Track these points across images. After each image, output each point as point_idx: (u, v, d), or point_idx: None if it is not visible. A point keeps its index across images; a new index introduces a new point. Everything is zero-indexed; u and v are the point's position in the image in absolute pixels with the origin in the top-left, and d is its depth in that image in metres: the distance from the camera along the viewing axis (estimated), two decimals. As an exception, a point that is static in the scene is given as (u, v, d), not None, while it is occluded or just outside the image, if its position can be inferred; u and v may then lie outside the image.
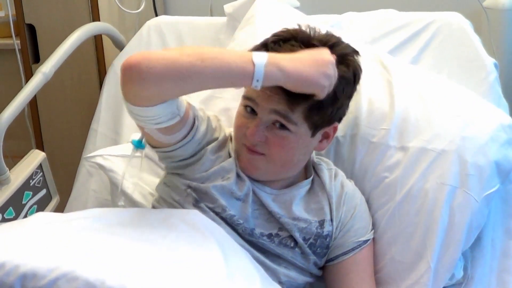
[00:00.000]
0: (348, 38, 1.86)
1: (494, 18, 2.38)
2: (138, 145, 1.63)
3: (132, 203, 1.78)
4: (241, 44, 1.92)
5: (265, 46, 1.54)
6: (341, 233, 1.66)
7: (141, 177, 1.83)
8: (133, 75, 1.36)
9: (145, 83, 1.36)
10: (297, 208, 1.64)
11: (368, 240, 1.69)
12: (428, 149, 1.70)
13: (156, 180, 1.77)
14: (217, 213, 1.58)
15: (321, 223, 1.64)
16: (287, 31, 1.57)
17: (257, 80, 1.39)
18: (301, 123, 1.53)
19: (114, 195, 1.82)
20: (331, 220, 1.65)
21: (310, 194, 1.68)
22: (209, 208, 1.57)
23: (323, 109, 1.52)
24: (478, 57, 1.92)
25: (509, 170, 1.73)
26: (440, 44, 1.96)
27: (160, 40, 2.11)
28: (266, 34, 1.64)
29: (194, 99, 1.87)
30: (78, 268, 1.21)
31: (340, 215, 1.66)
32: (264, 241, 1.61)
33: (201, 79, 1.38)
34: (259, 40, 1.60)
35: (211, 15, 2.58)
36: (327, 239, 1.65)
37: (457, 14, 2.00)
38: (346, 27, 2.04)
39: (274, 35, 1.57)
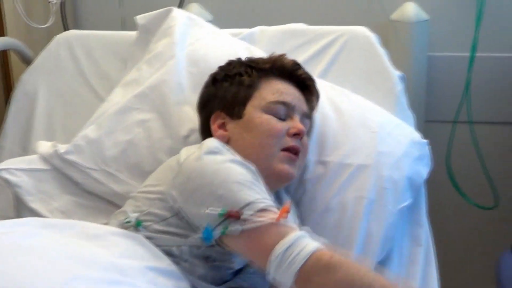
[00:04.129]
0: (260, 52, 1.90)
1: (401, 31, 2.43)
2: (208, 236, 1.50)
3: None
4: (159, 56, 1.92)
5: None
6: None
7: (49, 193, 1.80)
8: None
9: None
10: None
11: None
12: (346, 164, 1.76)
13: (66, 196, 1.76)
14: None
15: None
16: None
17: None
18: None
19: (20, 212, 1.78)
20: None
21: None
22: None
23: None
24: (385, 69, 1.97)
25: (420, 184, 1.86)
26: (348, 58, 2.00)
27: (69, 54, 2.08)
28: (184, 46, 1.69)
29: (108, 110, 1.86)
30: None
31: None
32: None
33: None
34: (178, 52, 1.77)
35: (123, 29, 2.56)
36: None
37: (363, 28, 2.05)
38: (258, 40, 2.07)
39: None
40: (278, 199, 1.73)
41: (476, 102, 2.52)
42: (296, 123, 1.67)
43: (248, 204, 1.42)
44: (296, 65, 1.76)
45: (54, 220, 1.63)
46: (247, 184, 1.46)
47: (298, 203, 1.79)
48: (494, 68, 2.52)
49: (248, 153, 1.61)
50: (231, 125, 1.68)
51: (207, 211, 1.43)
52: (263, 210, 1.42)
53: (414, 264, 1.79)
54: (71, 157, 1.81)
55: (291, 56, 1.79)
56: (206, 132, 1.73)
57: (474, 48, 2.45)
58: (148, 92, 1.86)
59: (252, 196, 1.43)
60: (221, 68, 1.77)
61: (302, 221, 1.77)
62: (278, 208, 1.44)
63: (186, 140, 1.80)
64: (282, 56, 1.76)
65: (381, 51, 2.00)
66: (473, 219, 2.67)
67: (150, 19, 2.03)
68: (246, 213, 1.41)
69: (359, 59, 1.99)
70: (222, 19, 2.44)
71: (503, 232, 1.91)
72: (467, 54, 2.47)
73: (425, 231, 1.84)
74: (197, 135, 1.79)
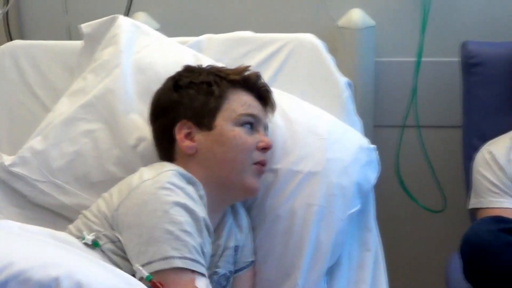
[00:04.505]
0: (208, 60, 1.90)
1: (348, 37, 2.46)
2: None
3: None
4: (104, 65, 1.90)
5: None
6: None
7: None
8: None
9: None
10: None
11: (253, 261, 1.77)
12: (296, 171, 1.77)
13: (12, 209, 1.74)
14: None
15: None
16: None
17: None
18: None
19: None
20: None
21: None
22: None
23: None
24: (331, 76, 1.98)
25: (369, 190, 1.88)
26: (295, 65, 2.01)
27: (14, 65, 2.04)
28: (130, 54, 1.68)
29: (54, 120, 1.84)
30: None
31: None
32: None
33: None
34: (124, 60, 1.77)
35: (70, 38, 2.54)
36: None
37: (310, 35, 2.06)
38: (205, 48, 2.06)
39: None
40: (233, 207, 1.76)
41: (423, 106, 2.56)
42: (263, 137, 1.70)
43: (165, 259, 1.43)
44: (258, 77, 1.77)
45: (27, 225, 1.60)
46: (175, 234, 1.46)
47: (248, 211, 1.80)
48: (440, 73, 2.56)
49: (219, 168, 1.64)
50: (200, 136, 1.67)
51: (137, 265, 1.44)
52: (178, 269, 1.43)
53: (364, 269, 1.82)
54: (17, 169, 1.79)
55: (238, 63, 1.80)
56: (164, 141, 1.71)
57: (420, 53, 2.49)
58: (95, 101, 1.84)
59: (174, 251, 1.44)
60: (183, 73, 1.74)
61: (253, 229, 1.79)
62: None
63: (134, 150, 1.79)
64: (247, 68, 1.76)
65: (328, 58, 2.01)
66: (422, 222, 2.71)
67: (95, 27, 2.00)
68: (159, 267, 1.42)
69: (306, 66, 2.00)
70: (169, 28, 2.44)
71: (451, 234, 1.94)
72: (413, 59, 2.51)
73: (374, 236, 1.87)
74: (146, 144, 1.77)
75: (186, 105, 1.68)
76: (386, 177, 2.58)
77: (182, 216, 1.48)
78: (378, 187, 2.53)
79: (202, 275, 1.46)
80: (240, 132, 1.66)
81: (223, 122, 1.66)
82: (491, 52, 2.39)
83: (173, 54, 1.94)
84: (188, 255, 1.45)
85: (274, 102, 1.79)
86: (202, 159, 1.64)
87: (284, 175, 1.78)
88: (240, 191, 1.69)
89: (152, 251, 1.44)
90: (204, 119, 1.67)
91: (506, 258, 1.82)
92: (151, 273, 1.42)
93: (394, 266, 2.64)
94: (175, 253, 1.44)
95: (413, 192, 2.62)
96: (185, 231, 1.47)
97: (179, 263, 1.43)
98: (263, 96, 1.76)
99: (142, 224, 1.48)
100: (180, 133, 1.67)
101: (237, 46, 2.05)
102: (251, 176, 1.67)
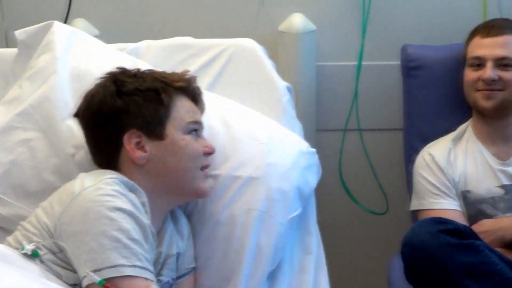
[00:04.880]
0: (147, 66, 1.89)
1: (289, 42, 2.46)
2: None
3: None
4: (40, 72, 1.86)
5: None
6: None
7: None
8: None
9: None
10: None
11: (194, 267, 1.77)
12: (235, 176, 1.76)
13: None
14: None
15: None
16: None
17: None
18: None
19: None
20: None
21: None
22: None
23: None
24: (271, 81, 1.98)
25: (310, 194, 1.88)
26: (234, 70, 2.01)
27: None
28: (67, 61, 1.65)
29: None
30: None
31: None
32: None
33: None
34: (60, 67, 1.75)
35: (7, 45, 2.50)
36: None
37: (250, 40, 2.06)
38: (144, 54, 2.05)
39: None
40: (172, 213, 1.74)
41: (364, 109, 2.58)
42: (206, 142, 1.72)
43: (114, 266, 1.42)
44: (194, 81, 1.76)
45: None
46: (124, 242, 1.45)
47: (189, 217, 1.79)
48: (380, 76, 2.59)
49: (170, 176, 1.64)
50: (151, 146, 1.64)
51: (87, 271, 1.43)
52: (130, 276, 1.43)
53: (305, 272, 1.82)
54: None
55: (178, 69, 1.79)
56: (107, 149, 1.67)
57: (360, 57, 2.51)
58: (31, 110, 1.80)
59: (124, 259, 1.43)
60: (124, 78, 1.69)
61: (194, 235, 1.78)
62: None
63: (72, 158, 1.76)
64: (187, 73, 1.75)
65: (267, 63, 2.01)
66: (365, 225, 2.73)
67: (30, 34, 1.96)
68: (108, 275, 1.42)
69: (246, 71, 2.00)
70: (109, 34, 2.42)
71: (393, 236, 1.96)
72: (354, 63, 2.53)
73: (315, 239, 1.87)
74: (84, 152, 1.74)
75: (134, 114, 1.64)
76: (328, 180, 2.61)
77: (128, 223, 1.47)
78: (321, 190, 2.55)
79: (153, 282, 1.47)
80: (190, 140, 1.66)
81: (174, 131, 1.65)
82: (431, 55, 2.43)
83: (110, 61, 1.91)
84: (138, 263, 1.45)
85: (204, 104, 1.78)
86: (152, 168, 1.63)
87: (224, 180, 1.78)
88: (192, 195, 1.72)
89: (101, 258, 1.43)
90: (155, 128, 1.64)
91: (446, 258, 1.84)
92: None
93: (336, 269, 2.65)
94: (125, 262, 1.43)
95: (355, 194, 2.65)
96: (133, 239, 1.46)
97: (129, 271, 1.43)
98: (198, 99, 1.75)
99: (87, 231, 1.46)
100: (130, 143, 1.63)
101: (176, 52, 2.04)
102: (202, 181, 1.69)
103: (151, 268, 1.48)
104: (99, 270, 1.43)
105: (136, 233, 1.47)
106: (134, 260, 1.44)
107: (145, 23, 2.57)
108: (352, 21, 2.53)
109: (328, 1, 2.54)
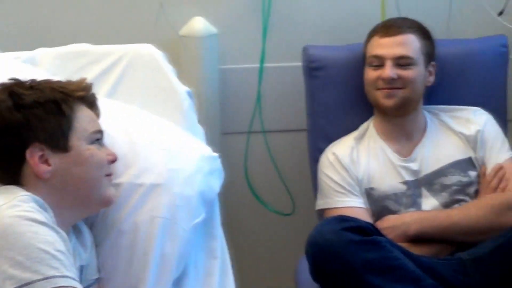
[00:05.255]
0: (44, 75, 1.85)
1: (191, 46, 2.46)
2: None
3: None
4: None
5: None
6: None
7: None
8: None
9: None
10: None
11: (98, 278, 1.73)
12: (138, 184, 1.74)
13: None
14: None
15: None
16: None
17: None
18: None
19: None
20: None
21: None
22: None
23: None
24: (171, 86, 1.97)
25: (213, 198, 1.87)
26: (134, 76, 1.98)
27: None
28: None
29: None
30: None
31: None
32: None
33: None
34: None
35: None
36: None
37: (148, 45, 2.04)
38: (40, 62, 2.00)
39: None
40: (74, 225, 1.71)
41: (268, 111, 2.60)
42: (109, 150, 1.69)
43: (46, 278, 1.39)
44: (91, 88, 1.72)
45: None
46: (51, 253, 1.42)
47: (91, 227, 1.76)
48: (283, 78, 2.61)
49: (77, 188, 1.61)
50: (55, 159, 1.59)
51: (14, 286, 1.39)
52: (61, 287, 1.40)
53: (211, 277, 1.82)
54: None
55: (75, 77, 1.76)
56: (7, 164, 1.61)
57: (262, 59, 2.52)
58: None
59: (54, 270, 1.40)
60: (20, 91, 1.62)
61: (97, 245, 1.75)
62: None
63: None
64: (84, 81, 1.71)
65: (167, 68, 2.00)
66: (272, 226, 2.75)
67: None
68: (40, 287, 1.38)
69: (145, 77, 1.98)
70: (3, 43, 2.36)
71: (301, 236, 1.97)
72: (257, 65, 2.53)
73: (220, 243, 1.87)
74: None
75: (35, 127, 1.59)
76: (235, 183, 2.62)
77: (51, 236, 1.45)
78: (228, 193, 2.55)
79: None
80: (95, 150, 1.64)
81: (78, 142, 1.62)
82: (331, 56, 2.46)
83: (6, 71, 1.86)
84: (68, 273, 1.42)
85: (100, 110, 1.75)
86: (57, 182, 1.59)
87: (126, 189, 1.75)
88: (99, 205, 1.69)
89: (30, 272, 1.39)
90: (58, 141, 1.60)
91: (349, 255, 1.87)
92: None
93: (245, 271, 2.67)
94: (56, 272, 1.40)
95: (262, 196, 2.66)
96: (59, 250, 1.44)
97: (61, 282, 1.40)
98: (95, 106, 1.73)
99: (12, 247, 1.41)
100: (33, 158, 1.58)
101: (73, 60, 2.00)
102: (108, 189, 1.67)
103: (78, 279, 1.46)
104: (29, 283, 1.38)
105: (60, 245, 1.45)
106: (64, 271, 1.41)
107: (40, 30, 2.51)
108: (253, 23, 2.53)
109: (229, 4, 2.55)
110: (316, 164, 2.37)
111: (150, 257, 1.71)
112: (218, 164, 1.91)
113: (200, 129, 2.00)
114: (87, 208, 1.68)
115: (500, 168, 2.26)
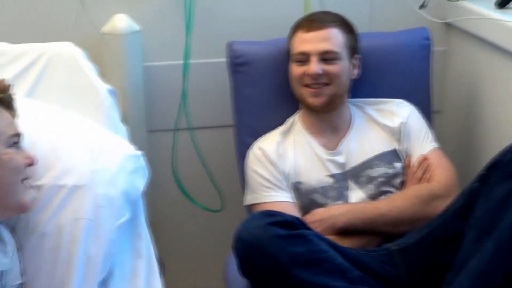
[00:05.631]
0: None
1: (113, 43, 2.42)
2: None
3: None
4: None
5: None
6: None
7: None
8: None
9: None
10: None
11: (22, 283, 1.71)
12: (59, 185, 1.72)
13: None
14: None
15: None
16: None
17: None
18: None
19: None
20: None
21: None
22: None
23: None
24: (92, 84, 1.96)
25: (137, 198, 1.85)
26: (53, 75, 1.97)
27: None
28: None
29: None
30: None
31: None
32: None
33: None
34: None
35: None
36: None
37: (68, 43, 2.02)
38: None
39: None
40: None
41: (194, 108, 2.58)
42: (27, 153, 1.66)
43: None
44: (8, 89, 1.69)
45: None
46: None
47: (13, 230, 1.73)
48: (209, 74, 2.59)
49: None
50: None
51: None
52: None
53: (137, 277, 1.81)
54: None
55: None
56: None
57: (186, 56, 2.51)
58: None
59: None
60: None
61: (20, 249, 1.72)
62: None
63: None
64: (1, 82, 1.68)
65: (87, 66, 1.98)
66: (202, 223, 2.74)
67: None
68: None
69: (65, 76, 1.96)
70: None
71: (231, 233, 1.96)
72: (181, 62, 2.52)
73: (145, 243, 1.86)
74: None
75: None
76: (163, 181, 2.60)
77: None
78: (156, 190, 2.55)
79: None
80: (13, 154, 1.61)
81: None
82: (256, 51, 2.45)
83: None
84: None
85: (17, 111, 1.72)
86: None
87: (48, 190, 1.73)
88: (15, 211, 1.66)
89: None
90: None
91: (276, 250, 1.87)
92: None
93: (175, 269, 2.67)
94: None
95: (191, 193, 2.65)
96: None
97: None
98: (13, 107, 1.69)
99: None
100: None
101: None
102: (24, 195, 1.63)
103: None
104: None
105: None
106: None
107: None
108: (176, 19, 2.51)
109: (152, 0, 2.52)
110: (243, 159, 2.36)
111: (74, 259, 1.69)
112: (142, 162, 1.89)
113: (123, 128, 1.98)
114: (3, 213, 1.64)
115: (424, 159, 2.29)
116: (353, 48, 2.33)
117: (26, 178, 1.65)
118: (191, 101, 2.56)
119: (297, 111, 2.39)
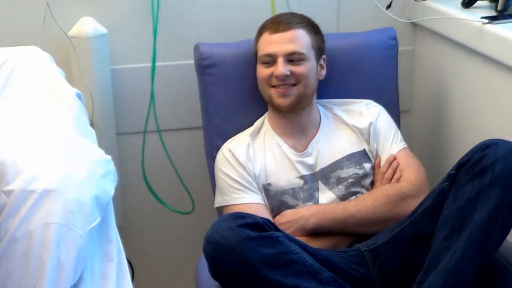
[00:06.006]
0: None
1: (81, 47, 2.41)
2: None
3: None
4: None
5: None
6: None
7: None
8: None
9: None
10: None
11: None
12: (29, 190, 1.69)
13: None
14: None
15: None
16: None
17: None
18: None
19: None
20: None
21: None
22: None
23: None
24: (58, 88, 1.93)
25: (108, 202, 1.83)
26: (20, 79, 1.94)
27: None
28: None
29: None
30: None
31: None
32: None
33: None
34: None
35: None
36: None
37: (34, 47, 2.00)
38: None
39: None
40: None
41: (162, 110, 2.58)
42: None
43: None
44: None
45: None
46: None
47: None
48: (176, 76, 2.59)
49: None
50: None
51: None
52: None
53: (107, 280, 1.79)
54: None
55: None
56: None
57: (154, 58, 2.50)
58: None
59: None
60: None
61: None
62: None
63: None
64: None
65: (54, 70, 1.96)
66: (173, 225, 2.74)
67: None
68: None
69: (32, 80, 1.93)
70: None
71: (201, 235, 1.96)
72: (149, 64, 2.51)
73: (116, 246, 1.84)
74: None
75: None
76: (133, 183, 2.60)
77: None
78: (126, 193, 2.54)
79: None
80: None
81: None
82: (223, 53, 2.45)
83: None
84: None
85: None
86: None
87: (18, 195, 1.70)
88: None
89: None
90: None
91: (247, 252, 1.86)
92: None
93: (146, 272, 2.66)
94: None
95: (161, 195, 2.64)
96: None
97: None
98: None
99: None
100: None
101: None
102: None
103: None
104: None
105: None
106: None
107: None
108: (143, 22, 2.51)
109: (118, 3, 2.51)
110: (213, 161, 2.36)
111: (46, 265, 1.67)
112: (111, 167, 1.88)
113: (91, 131, 1.97)
114: None
115: (393, 159, 2.31)
116: (320, 49, 2.34)
117: None
118: (159, 103, 2.56)
119: (266, 113, 2.39)
